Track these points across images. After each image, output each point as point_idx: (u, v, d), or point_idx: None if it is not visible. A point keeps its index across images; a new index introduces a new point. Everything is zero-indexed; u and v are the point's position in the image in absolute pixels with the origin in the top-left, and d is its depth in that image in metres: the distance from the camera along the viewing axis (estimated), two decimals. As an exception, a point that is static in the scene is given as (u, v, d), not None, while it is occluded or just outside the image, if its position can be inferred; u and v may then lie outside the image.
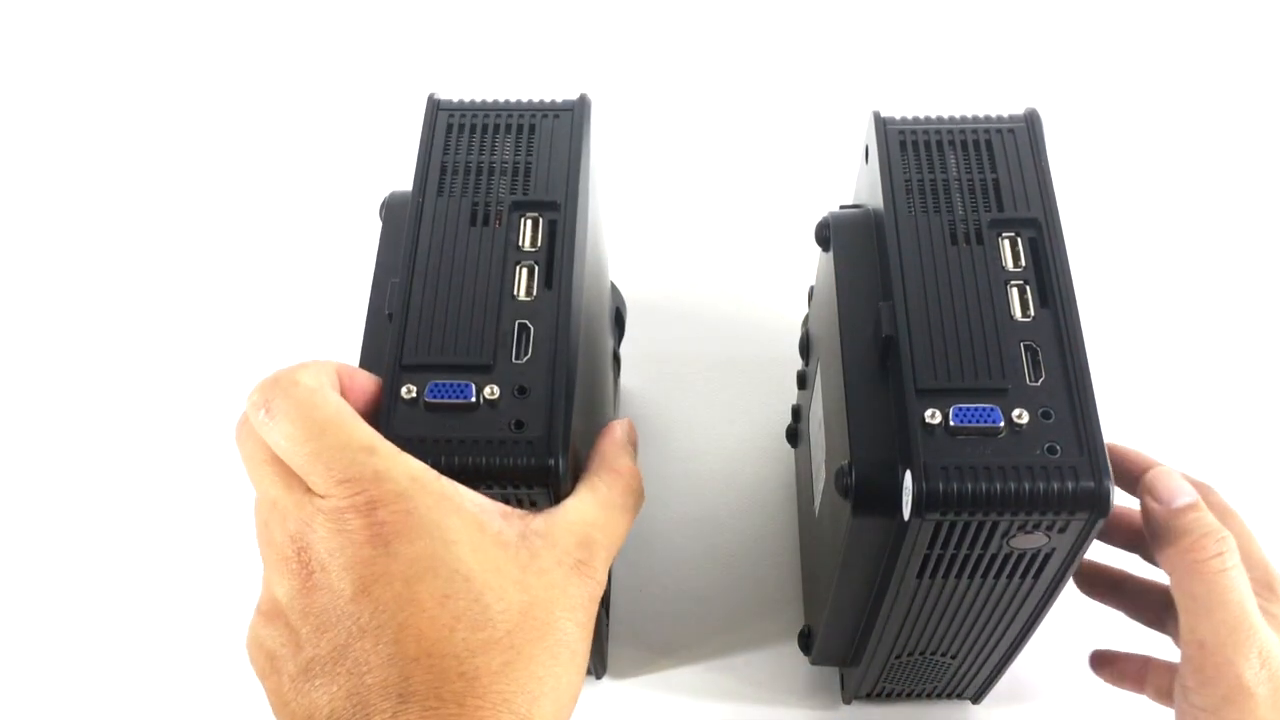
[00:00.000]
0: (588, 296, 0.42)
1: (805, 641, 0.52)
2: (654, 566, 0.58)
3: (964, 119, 0.43)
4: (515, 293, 0.39)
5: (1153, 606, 0.45)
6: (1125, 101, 0.76)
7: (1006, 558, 0.38)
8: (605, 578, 0.35)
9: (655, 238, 0.70)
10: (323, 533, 0.31)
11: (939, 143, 0.42)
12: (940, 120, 0.43)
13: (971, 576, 0.39)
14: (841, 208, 0.46)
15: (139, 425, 0.63)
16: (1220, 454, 0.60)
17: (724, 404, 0.63)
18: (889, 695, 0.53)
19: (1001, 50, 0.79)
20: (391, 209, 0.43)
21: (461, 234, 0.40)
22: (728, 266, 0.69)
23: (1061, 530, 0.36)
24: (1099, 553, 0.46)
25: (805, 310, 0.56)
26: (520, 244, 0.40)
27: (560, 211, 0.40)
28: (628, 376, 0.64)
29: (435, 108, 0.43)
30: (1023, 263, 0.39)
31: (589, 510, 0.35)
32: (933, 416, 0.36)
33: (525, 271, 0.39)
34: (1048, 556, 0.38)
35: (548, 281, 0.39)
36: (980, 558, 0.38)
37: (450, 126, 0.43)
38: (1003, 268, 0.39)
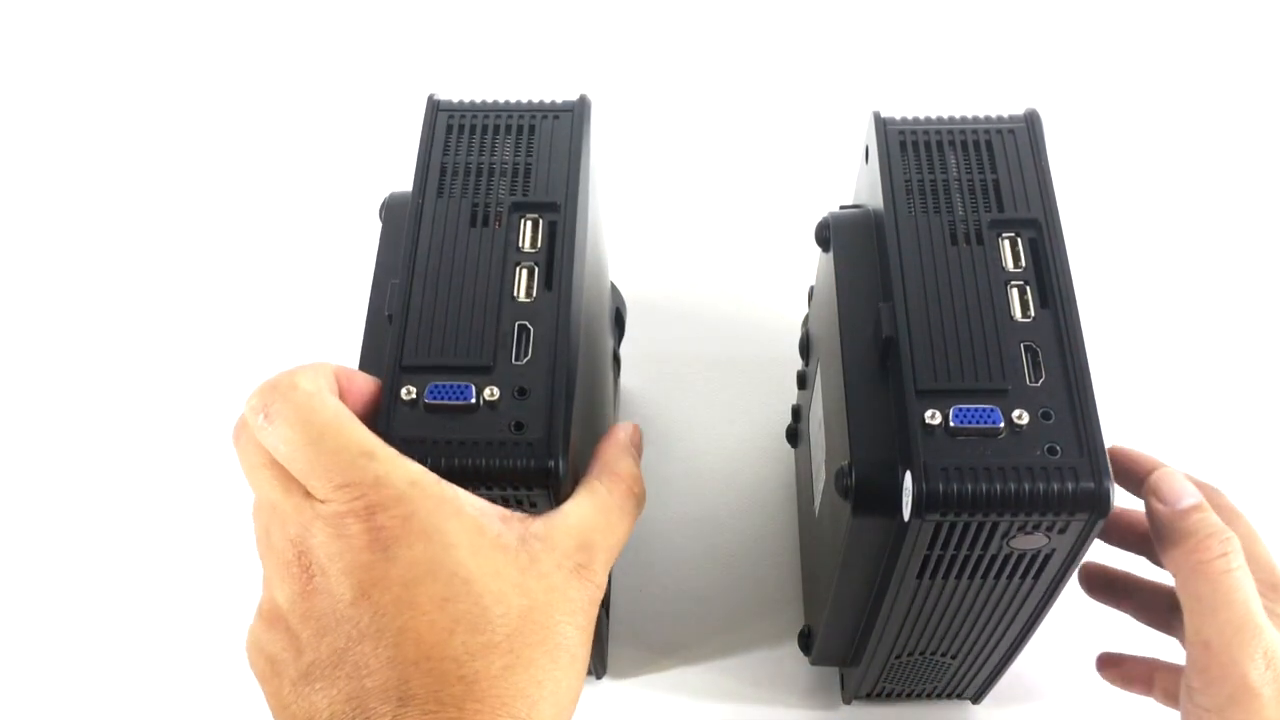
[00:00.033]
0: (588, 297, 0.42)
1: (805, 641, 0.52)
2: (654, 566, 0.58)
3: (964, 119, 0.43)
4: (515, 294, 0.39)
5: (1160, 609, 0.45)
6: (1125, 101, 0.76)
7: (1007, 558, 0.38)
8: (605, 581, 0.35)
9: (655, 238, 0.70)
10: (322, 537, 0.31)
11: (939, 143, 0.42)
12: (940, 120, 0.43)
13: (972, 577, 0.39)
14: (841, 208, 0.46)
15: (139, 426, 0.63)
16: (1221, 454, 0.60)
17: (724, 404, 0.63)
18: (889, 695, 0.53)
19: (1001, 50, 0.79)
20: (391, 210, 0.43)
21: (461, 235, 0.40)
22: (728, 266, 0.69)
23: (1062, 531, 0.36)
24: (1105, 555, 0.46)
25: (805, 310, 0.56)
26: (520, 245, 0.40)
27: (560, 212, 0.40)
28: (628, 376, 0.64)
29: (435, 108, 0.43)
30: (1023, 263, 0.39)
31: (588, 514, 0.35)
32: (933, 417, 0.36)
33: (525, 272, 0.39)
34: (1048, 557, 0.38)
35: (548, 282, 0.39)
36: (980, 558, 0.38)
37: (450, 127, 0.43)
38: (1003, 268, 0.39)
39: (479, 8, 0.82)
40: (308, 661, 0.31)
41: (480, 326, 0.38)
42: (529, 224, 0.40)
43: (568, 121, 0.43)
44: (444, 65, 0.79)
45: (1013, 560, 0.38)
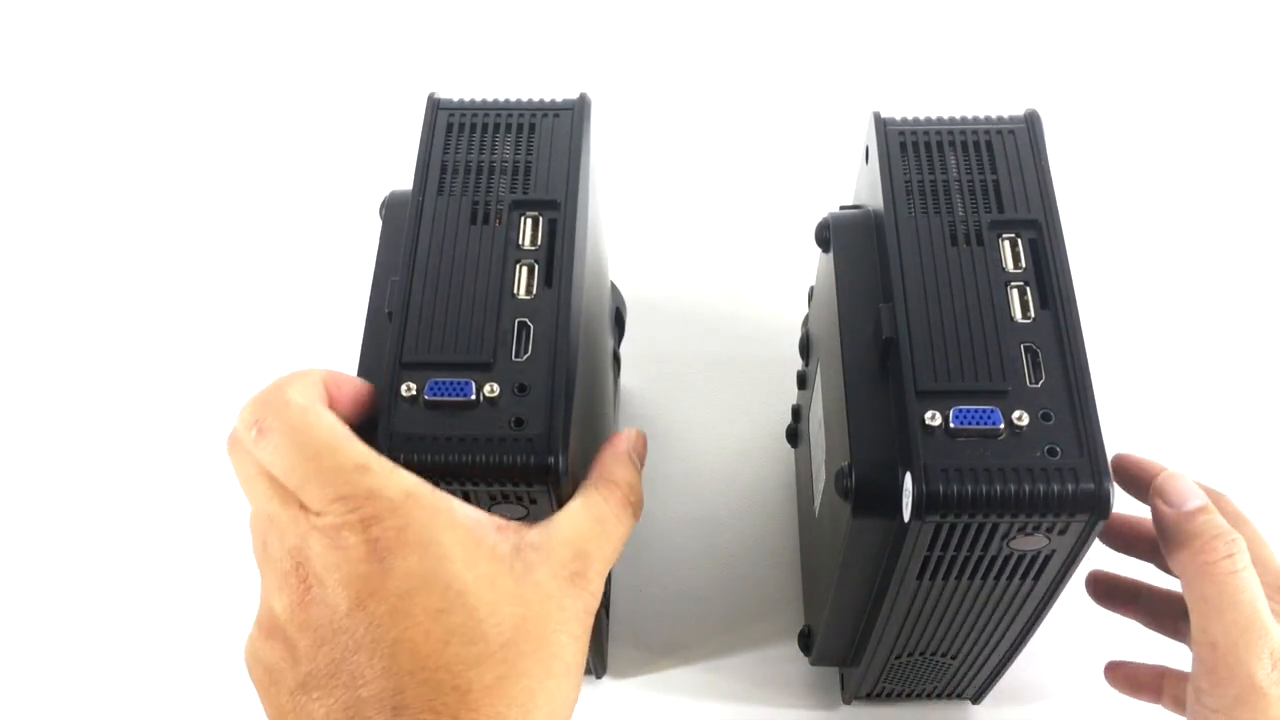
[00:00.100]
0: (588, 296, 0.42)
1: (805, 641, 0.52)
2: (654, 566, 0.58)
3: (964, 120, 0.43)
4: (515, 291, 0.39)
5: (1170, 615, 0.46)
6: (1125, 102, 0.76)
7: (1006, 559, 0.38)
8: (601, 590, 0.35)
9: (655, 238, 0.70)
10: (319, 548, 0.31)
11: (939, 143, 0.42)
12: (940, 121, 0.43)
13: (972, 578, 0.39)
14: (841, 208, 0.46)
15: (138, 426, 0.63)
16: (1222, 455, 0.60)
17: (724, 404, 0.63)
18: (889, 695, 0.53)
19: (1001, 50, 0.79)
20: (391, 208, 0.43)
21: (461, 233, 0.40)
22: (728, 266, 0.69)
23: (1062, 532, 0.36)
24: (1114, 563, 0.46)
25: (805, 310, 0.56)
26: (520, 242, 0.40)
27: (560, 210, 0.40)
28: (628, 376, 0.64)
29: (435, 107, 0.43)
30: (1023, 264, 0.39)
31: (584, 523, 0.35)
32: (933, 418, 0.36)
33: (525, 270, 0.39)
34: (1048, 558, 0.38)
35: (548, 280, 0.39)
36: (980, 559, 0.38)
37: (450, 126, 0.43)
38: (1003, 269, 0.39)
39: (479, 8, 0.82)
40: (305, 671, 0.31)
41: (480, 323, 0.38)
42: (529, 221, 0.40)
43: (568, 120, 0.43)
44: (444, 65, 0.79)
45: (1013, 561, 0.38)
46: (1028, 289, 0.39)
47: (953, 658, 0.47)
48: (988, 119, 0.43)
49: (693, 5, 0.82)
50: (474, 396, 0.36)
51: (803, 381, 0.56)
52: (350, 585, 0.31)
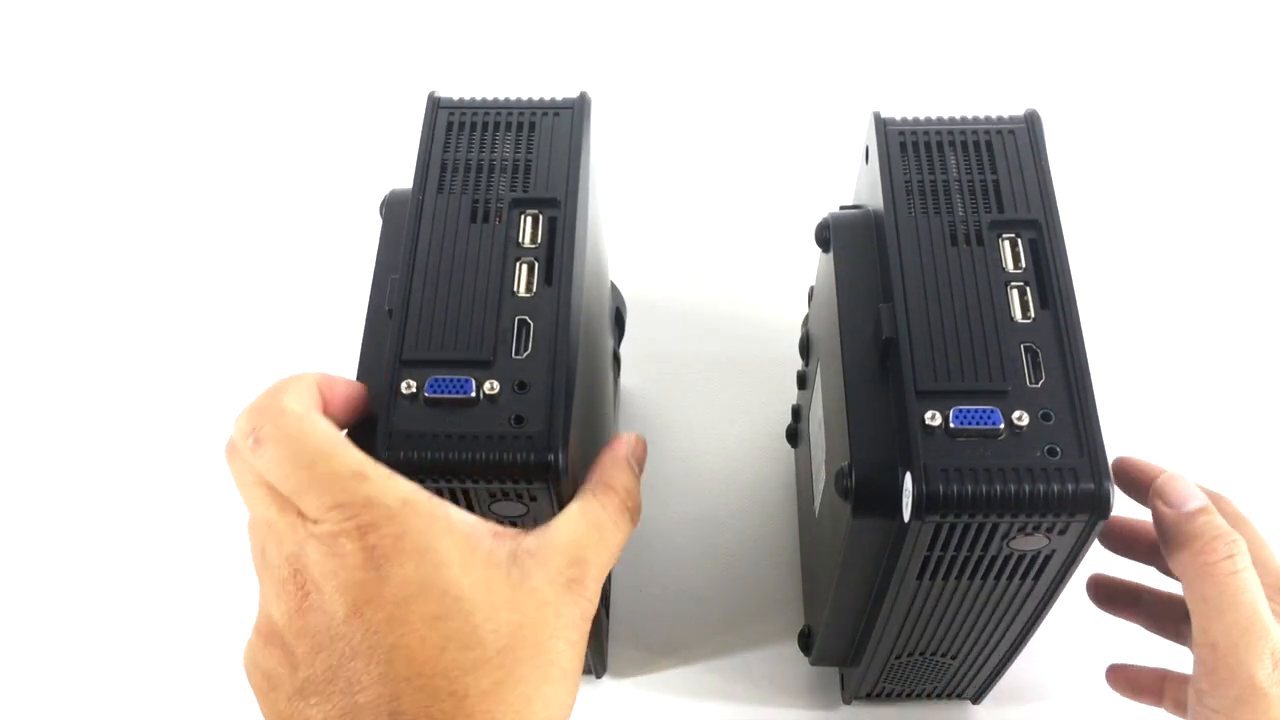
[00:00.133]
0: (588, 295, 0.42)
1: (805, 641, 0.52)
2: (654, 566, 0.58)
3: (964, 120, 0.43)
4: (515, 289, 0.39)
5: (1170, 618, 0.46)
6: (1125, 101, 0.76)
7: (1006, 559, 0.38)
8: (598, 596, 0.35)
9: (655, 238, 0.70)
10: (317, 556, 0.31)
11: (939, 144, 0.42)
12: (940, 121, 0.43)
13: (971, 578, 0.39)
14: (841, 208, 0.46)
15: (138, 426, 0.63)
16: (1222, 455, 0.60)
17: (724, 404, 0.63)
18: (889, 695, 0.53)
19: (1001, 50, 0.79)
20: (392, 207, 0.43)
21: (461, 231, 0.40)
22: (728, 266, 0.69)
23: (1062, 532, 0.36)
24: (1114, 566, 0.46)
25: (805, 310, 0.56)
26: (520, 240, 0.40)
27: (560, 208, 0.40)
28: (628, 376, 0.64)
29: (435, 105, 0.43)
30: (1023, 264, 0.39)
31: (580, 529, 0.35)
32: (933, 418, 0.36)
33: (525, 268, 0.39)
34: (1048, 558, 0.38)
35: (547, 278, 0.39)
36: (980, 559, 0.38)
37: (450, 124, 0.43)
38: (1003, 269, 0.39)
39: (479, 8, 0.82)
40: (302, 677, 0.31)
41: (480, 321, 0.38)
42: (529, 219, 0.40)
43: (568, 118, 0.43)
44: (444, 63, 0.79)
45: (1013, 561, 0.38)
46: (1028, 289, 0.39)
47: (953, 658, 0.47)
48: (988, 119, 0.43)
49: (693, 5, 0.82)
50: (474, 394, 0.36)
51: (803, 381, 0.56)
52: (347, 592, 0.31)
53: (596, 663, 0.53)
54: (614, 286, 0.59)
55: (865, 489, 0.37)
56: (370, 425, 0.36)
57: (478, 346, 0.37)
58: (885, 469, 0.37)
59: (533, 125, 0.42)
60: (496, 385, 0.36)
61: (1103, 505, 0.35)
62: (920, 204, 0.41)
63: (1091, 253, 0.56)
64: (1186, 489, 0.39)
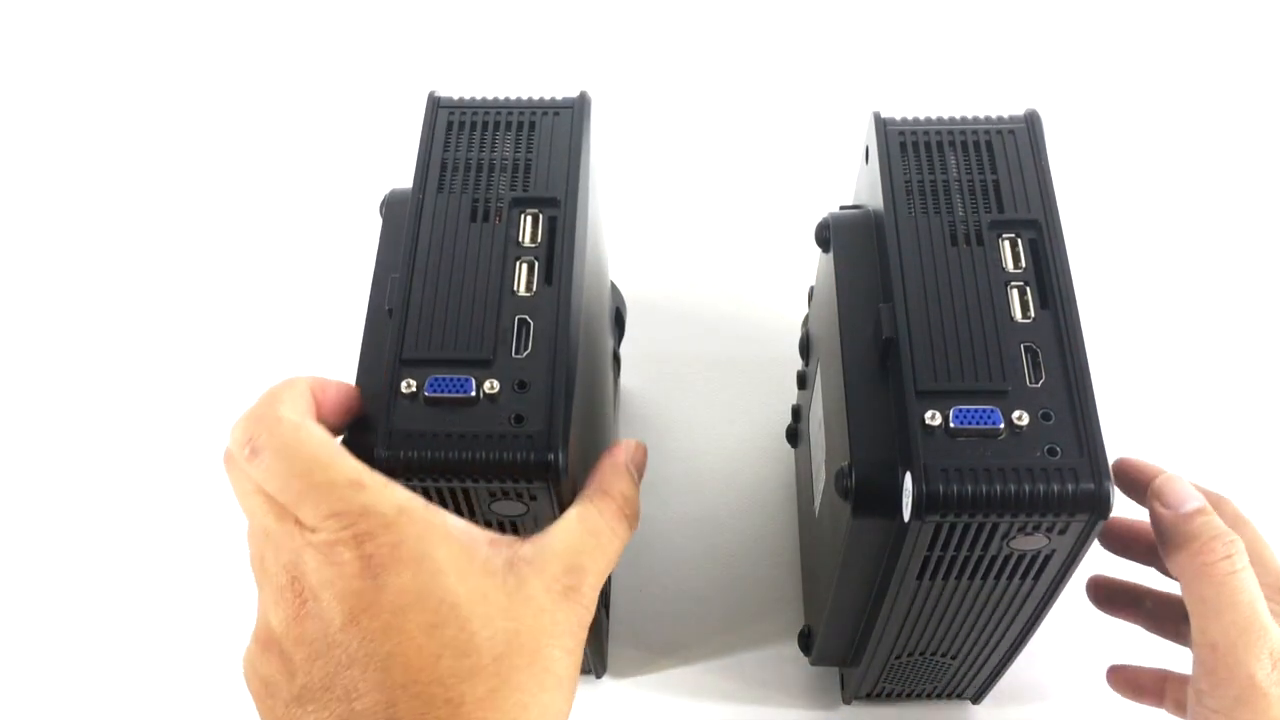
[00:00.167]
0: (588, 294, 0.42)
1: (805, 641, 0.52)
2: (654, 566, 0.58)
3: (964, 120, 0.43)
4: (515, 288, 0.39)
5: (1171, 619, 0.46)
6: (1125, 101, 0.76)
7: (1006, 559, 0.38)
8: (595, 603, 0.35)
9: (655, 238, 0.70)
10: (314, 564, 0.32)
11: (939, 143, 0.42)
12: (940, 121, 0.43)
13: (971, 578, 0.39)
14: (841, 208, 0.46)
15: (138, 427, 0.63)
16: (1222, 455, 0.60)
17: (724, 404, 0.63)
18: (889, 695, 0.53)
19: (1001, 50, 0.79)
20: (392, 206, 0.43)
21: (462, 230, 0.40)
22: (728, 266, 0.69)
23: (1061, 532, 0.36)
24: (1114, 567, 0.46)
25: (805, 310, 0.56)
26: (520, 240, 0.40)
27: (560, 208, 0.40)
28: (628, 376, 0.64)
29: (435, 105, 0.43)
30: (1023, 264, 0.39)
31: (577, 536, 0.35)
32: (933, 418, 0.36)
33: (525, 267, 0.39)
34: (1048, 558, 0.38)
35: (548, 277, 0.39)
36: (980, 559, 0.38)
37: (450, 124, 0.43)
38: (1003, 269, 0.39)
39: (479, 8, 0.82)
40: (300, 684, 0.32)
41: (480, 320, 0.38)
42: (529, 219, 0.40)
43: (568, 118, 0.43)
44: (444, 63, 0.79)
45: (1013, 561, 0.38)
46: (1028, 289, 0.39)
47: (953, 658, 0.47)
48: (988, 119, 0.43)
49: (693, 5, 0.82)
50: (474, 393, 0.36)
51: (803, 381, 0.56)
52: (344, 600, 0.31)
53: (596, 663, 0.53)
54: (614, 286, 0.59)
55: (865, 489, 0.37)
56: (365, 425, 0.36)
57: (478, 346, 0.37)
58: (885, 469, 0.37)
59: (533, 125, 0.42)
60: (496, 385, 0.36)
61: (1103, 505, 0.35)
62: (920, 204, 0.41)
63: (1091, 253, 0.56)
64: (1184, 490, 0.39)
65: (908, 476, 0.35)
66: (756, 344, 0.65)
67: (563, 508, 0.37)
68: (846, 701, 0.53)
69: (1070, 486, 0.34)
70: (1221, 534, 0.38)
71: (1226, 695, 0.38)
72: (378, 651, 0.31)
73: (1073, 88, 0.77)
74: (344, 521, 0.31)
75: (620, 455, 0.39)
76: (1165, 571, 0.42)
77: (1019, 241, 0.40)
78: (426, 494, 0.37)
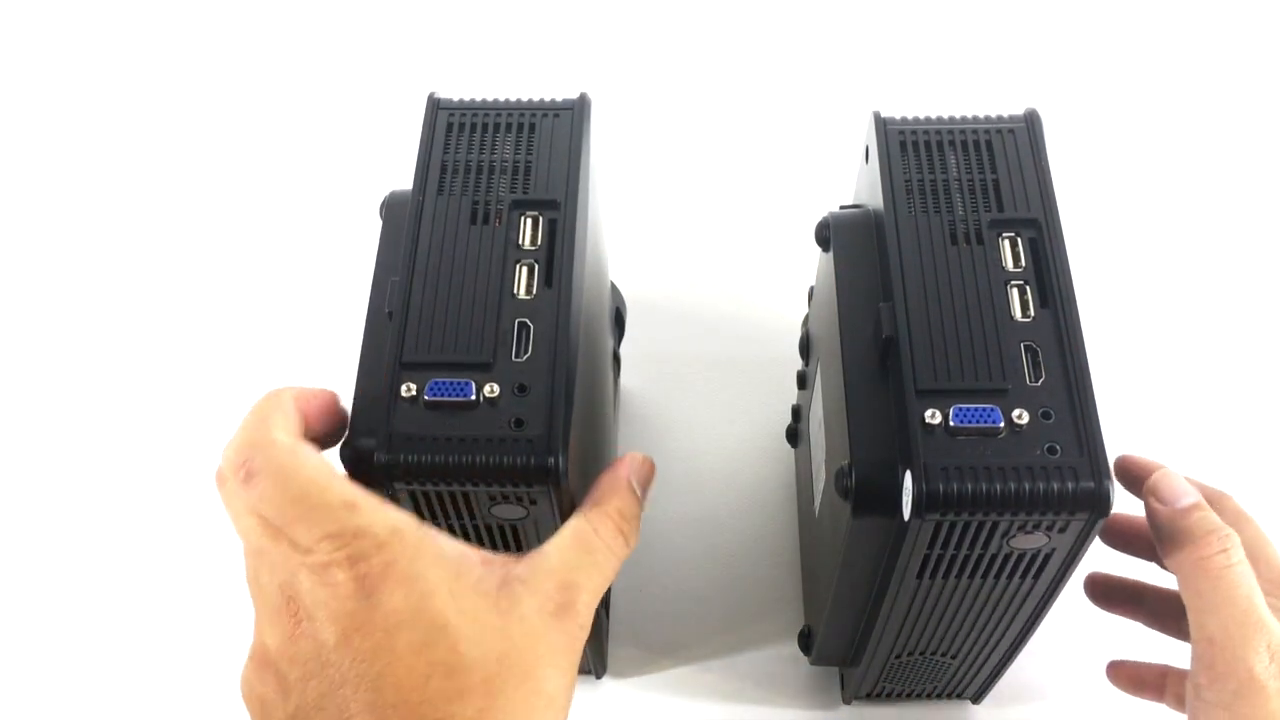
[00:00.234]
0: (588, 296, 0.42)
1: (805, 641, 0.52)
2: (654, 566, 0.58)
3: (964, 119, 0.43)
4: (515, 291, 0.39)
5: (1172, 615, 0.46)
6: (1125, 101, 0.76)
7: (1006, 558, 0.38)
8: (590, 621, 0.35)
9: (655, 238, 0.70)
10: (309, 584, 0.32)
11: (939, 143, 0.42)
12: (940, 120, 0.43)
13: (971, 577, 0.39)
14: (841, 208, 0.46)
15: (138, 429, 0.63)
16: (1222, 454, 0.60)
17: (724, 404, 0.63)
18: (889, 695, 0.53)
19: (1001, 50, 0.79)
20: (391, 208, 0.43)
21: (461, 232, 0.40)
22: (728, 266, 0.69)
23: (1061, 530, 0.36)
24: (1116, 563, 0.46)
25: (805, 310, 0.56)
26: (520, 242, 0.40)
27: (560, 210, 0.40)
28: (628, 376, 0.64)
29: (435, 107, 0.43)
30: (1023, 263, 0.39)
31: (571, 553, 0.35)
32: (933, 417, 0.36)
33: (525, 270, 0.39)
34: (1048, 557, 0.38)
35: (548, 280, 0.39)
36: (980, 558, 0.38)
37: (450, 125, 0.43)
38: (1003, 268, 0.39)
39: (479, 8, 0.82)
40: (294, 704, 0.32)
41: (480, 323, 0.38)
42: (529, 221, 0.40)
43: (568, 120, 0.43)
44: (444, 65, 0.79)
45: (1013, 560, 0.38)
46: (1027, 288, 0.39)
47: (953, 657, 0.47)
48: (988, 118, 0.43)
49: (693, 5, 0.82)
50: (474, 397, 0.36)
51: (803, 381, 0.56)
52: (338, 621, 0.31)
53: (596, 663, 0.53)
54: (614, 286, 0.59)
55: (865, 488, 0.37)
56: (363, 428, 0.36)
57: (478, 349, 0.37)
58: (885, 468, 0.37)
59: (533, 126, 0.42)
60: (496, 388, 0.36)
61: (1102, 504, 0.35)
62: (920, 203, 0.41)
63: (1091, 252, 0.56)
64: (1179, 485, 0.40)
65: (908, 475, 0.35)
66: (756, 344, 0.65)
67: (564, 511, 0.37)
68: (846, 701, 0.53)
69: (1070, 485, 0.34)
70: (1217, 529, 0.38)
71: (1225, 689, 0.38)
72: (369, 672, 0.31)
73: (1073, 88, 0.77)
74: (338, 543, 0.32)
75: (622, 470, 0.38)
76: (1165, 566, 0.42)
77: (1019, 241, 0.40)
78: (426, 497, 0.37)
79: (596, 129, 0.44)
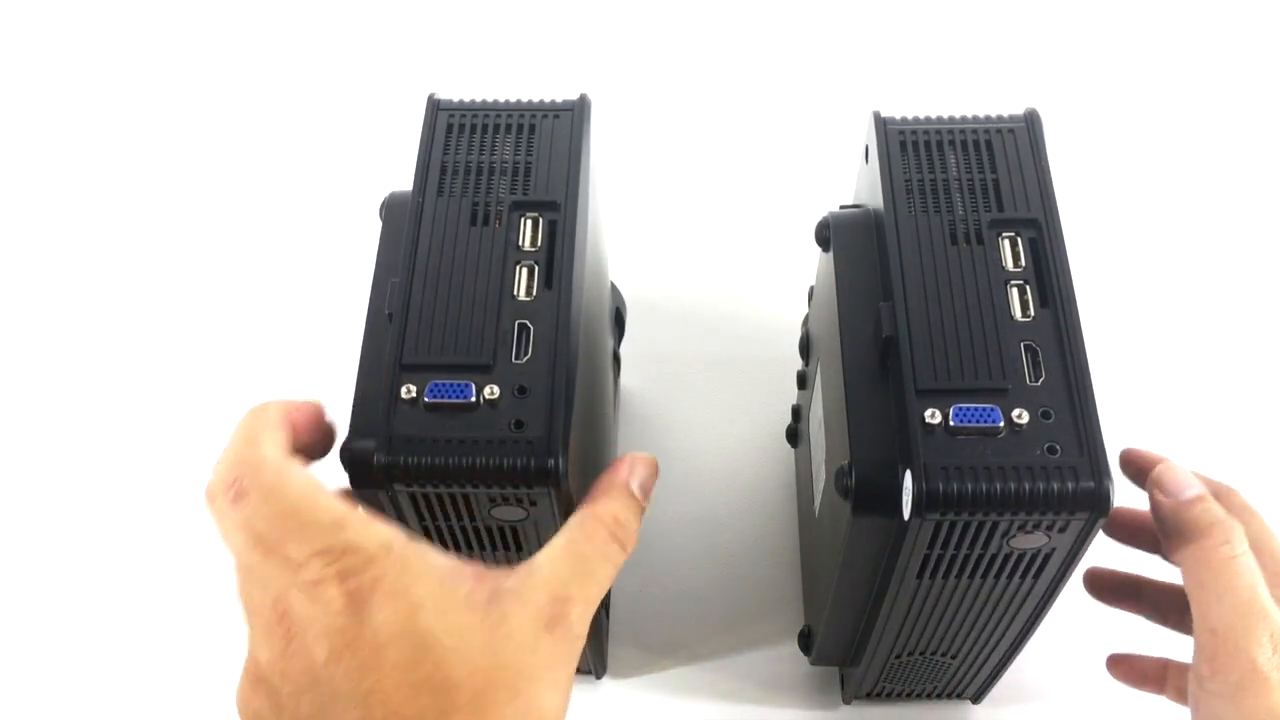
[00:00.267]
0: (588, 296, 0.42)
1: (805, 641, 0.52)
2: (654, 566, 0.58)
3: (964, 119, 0.43)
4: (515, 292, 0.39)
5: (1174, 608, 0.46)
6: (1125, 101, 0.76)
7: (1006, 558, 0.38)
8: (585, 632, 0.34)
9: (655, 238, 0.70)
10: (300, 601, 0.32)
11: (939, 143, 0.42)
12: (940, 120, 0.43)
13: (971, 576, 0.39)
14: (841, 208, 0.46)
15: (137, 431, 0.63)
16: (1222, 453, 0.60)
17: (724, 404, 0.63)
18: (889, 695, 0.53)
19: (1001, 50, 0.79)
20: (391, 209, 0.43)
21: (461, 234, 0.40)
22: (728, 266, 0.69)
23: (1061, 530, 0.36)
24: (1121, 556, 0.46)
25: (805, 310, 0.56)
26: (520, 244, 0.40)
27: (560, 211, 0.40)
28: (628, 376, 0.64)
29: (435, 108, 0.43)
30: (1023, 263, 0.39)
31: (563, 564, 0.35)
32: (933, 416, 0.36)
33: (525, 271, 0.39)
34: (1048, 556, 0.38)
35: (548, 281, 0.39)
36: (980, 558, 0.38)
37: (450, 126, 0.43)
38: (1003, 268, 0.39)
39: (479, 8, 0.82)
40: (288, 719, 0.32)
41: (480, 325, 0.38)
42: (529, 223, 0.40)
43: (568, 121, 0.43)
44: (444, 65, 0.79)
45: (1013, 559, 0.38)
46: (1027, 288, 0.39)
47: (953, 657, 0.47)
48: (987, 118, 0.43)
49: (693, 5, 0.82)
50: (474, 399, 0.36)
51: (803, 381, 0.56)
52: (328, 637, 0.31)
53: (596, 663, 0.53)
54: (614, 286, 0.59)
55: (865, 488, 0.37)
56: (363, 431, 0.36)
57: (478, 351, 0.37)
58: (885, 468, 0.37)
59: (533, 127, 0.42)
60: (496, 390, 0.36)
61: (1102, 503, 0.35)
62: (920, 203, 0.41)
63: (1091, 252, 0.56)
64: (1183, 478, 0.40)
65: (908, 475, 0.35)
66: (756, 344, 0.65)
67: (564, 513, 0.37)
68: (846, 701, 0.53)
69: (1070, 485, 0.34)
70: (1220, 520, 0.38)
71: (1228, 680, 0.38)
72: (358, 688, 0.31)
73: (1073, 88, 0.77)
74: (328, 559, 0.32)
75: (620, 474, 0.37)
76: (1170, 559, 0.42)
77: (1019, 240, 0.40)
78: (426, 499, 0.37)
79: (596, 130, 0.44)
